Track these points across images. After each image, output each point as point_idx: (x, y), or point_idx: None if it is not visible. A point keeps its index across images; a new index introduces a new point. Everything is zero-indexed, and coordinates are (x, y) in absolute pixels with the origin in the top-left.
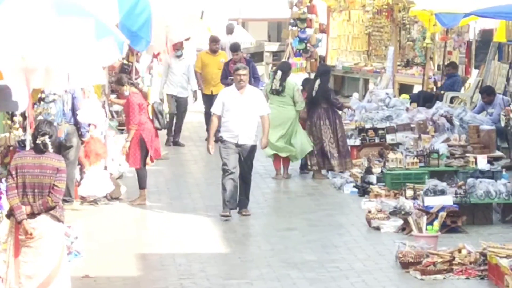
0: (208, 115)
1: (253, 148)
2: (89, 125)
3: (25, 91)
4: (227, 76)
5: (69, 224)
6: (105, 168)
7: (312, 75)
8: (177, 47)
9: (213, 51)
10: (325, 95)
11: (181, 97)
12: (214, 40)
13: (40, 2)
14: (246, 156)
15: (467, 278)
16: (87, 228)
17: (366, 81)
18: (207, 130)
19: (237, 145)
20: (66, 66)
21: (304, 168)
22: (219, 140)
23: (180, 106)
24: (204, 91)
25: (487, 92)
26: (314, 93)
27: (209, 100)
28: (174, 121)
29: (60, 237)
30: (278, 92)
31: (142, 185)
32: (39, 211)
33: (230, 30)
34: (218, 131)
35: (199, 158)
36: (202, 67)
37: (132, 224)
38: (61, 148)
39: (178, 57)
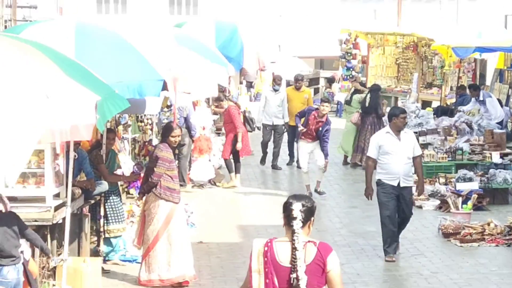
0: (290, 144)
1: (411, 189)
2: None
3: (172, 95)
4: (301, 118)
5: (186, 202)
6: (209, 160)
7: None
8: (277, 82)
9: (298, 88)
10: (375, 106)
11: (277, 124)
12: (297, 79)
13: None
14: (408, 197)
15: (496, 246)
16: (198, 205)
17: (396, 99)
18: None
19: (397, 188)
20: (194, 80)
21: (345, 162)
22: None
23: (276, 132)
24: (290, 123)
25: (474, 88)
26: (367, 105)
27: (293, 130)
28: (267, 149)
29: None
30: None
31: (230, 170)
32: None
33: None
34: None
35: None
36: (288, 101)
37: (231, 203)
38: (177, 145)
39: (276, 91)
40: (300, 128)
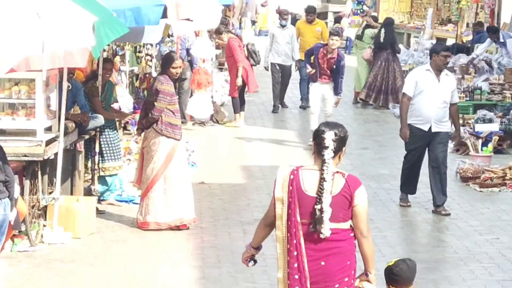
0: (303, 84)
1: (447, 135)
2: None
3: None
4: (310, 58)
5: (187, 140)
6: (212, 97)
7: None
8: (283, 17)
9: (310, 22)
10: (391, 41)
11: (285, 65)
12: (309, 12)
13: None
14: (441, 145)
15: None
16: (199, 144)
17: (408, 36)
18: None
19: (428, 133)
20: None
21: (355, 101)
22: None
23: (284, 73)
24: (301, 58)
25: (492, 31)
26: (382, 40)
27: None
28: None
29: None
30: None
31: (236, 110)
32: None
33: None
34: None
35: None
36: (299, 35)
37: (234, 142)
38: (178, 79)
39: (283, 26)
40: (308, 69)
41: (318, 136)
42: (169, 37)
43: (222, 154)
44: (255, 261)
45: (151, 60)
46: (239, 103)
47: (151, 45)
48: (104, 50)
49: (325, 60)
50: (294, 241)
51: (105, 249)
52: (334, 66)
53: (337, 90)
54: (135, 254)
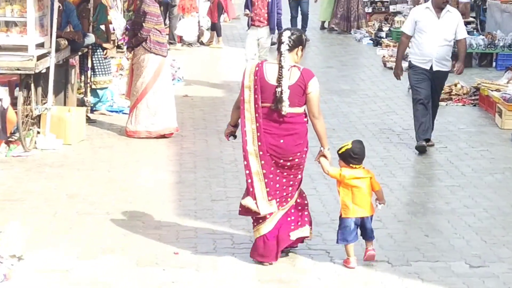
0: (293, 19)
1: (446, 75)
2: None
3: None
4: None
5: (174, 58)
6: (198, 22)
7: None
8: None
9: None
10: None
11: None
12: None
13: None
14: (438, 84)
15: (463, 105)
16: (186, 62)
17: None
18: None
19: (429, 72)
20: None
21: (322, 27)
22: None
23: None
24: None
25: None
26: None
27: (296, 4)
28: None
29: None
30: None
31: (218, 33)
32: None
33: None
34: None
35: None
36: None
37: (216, 60)
38: (168, 6)
39: None
40: (246, 12)
41: (278, 36)
42: None
43: (206, 71)
44: (235, 136)
45: None
46: (220, 28)
47: None
48: None
49: None
50: (261, 120)
51: (92, 154)
52: (269, 0)
53: (273, 28)
54: (119, 159)
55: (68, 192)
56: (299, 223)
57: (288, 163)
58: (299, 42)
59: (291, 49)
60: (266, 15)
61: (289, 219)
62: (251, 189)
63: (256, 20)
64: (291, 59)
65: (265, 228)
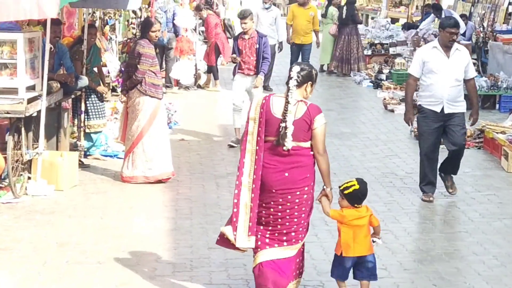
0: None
1: (462, 116)
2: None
3: None
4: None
5: (170, 102)
6: (195, 65)
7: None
8: (265, 1)
9: (302, 5)
10: (352, 17)
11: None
12: None
13: None
14: (455, 127)
15: (468, 148)
16: (183, 105)
17: (367, 16)
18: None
19: (440, 115)
20: None
21: (321, 70)
22: None
23: None
24: (294, 41)
25: (436, 8)
26: (343, 16)
27: (298, 49)
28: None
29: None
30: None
31: (215, 77)
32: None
33: None
34: None
35: None
36: (293, 18)
37: (213, 104)
38: (164, 49)
39: (266, 9)
40: (233, 56)
41: (289, 71)
42: (149, 6)
43: (203, 114)
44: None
45: (134, 28)
46: (217, 70)
47: (135, 13)
48: (94, 20)
49: (245, 44)
50: (261, 153)
51: (85, 200)
52: (257, 46)
53: (259, 69)
54: (112, 205)
55: (59, 240)
56: (298, 273)
57: (289, 198)
58: (308, 78)
59: (299, 85)
60: (255, 62)
61: (293, 267)
62: (234, 219)
63: (245, 69)
64: (299, 94)
65: (262, 257)
